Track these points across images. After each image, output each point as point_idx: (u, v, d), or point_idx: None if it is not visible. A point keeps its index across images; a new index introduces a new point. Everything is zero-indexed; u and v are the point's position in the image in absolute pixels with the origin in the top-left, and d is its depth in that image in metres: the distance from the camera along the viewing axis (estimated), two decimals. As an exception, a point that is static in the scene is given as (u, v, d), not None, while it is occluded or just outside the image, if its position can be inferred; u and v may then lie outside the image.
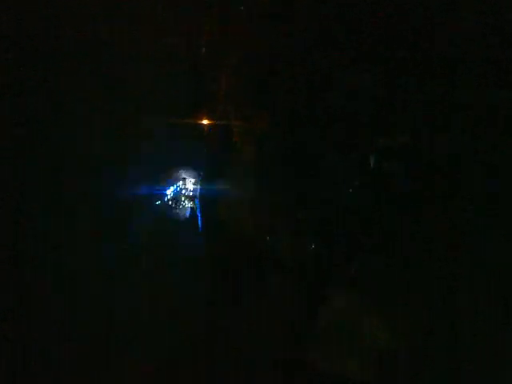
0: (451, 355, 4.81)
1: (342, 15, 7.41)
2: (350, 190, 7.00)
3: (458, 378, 4.69)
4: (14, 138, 8.78)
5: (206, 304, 7.73)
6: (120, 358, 6.51)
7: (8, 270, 7.94)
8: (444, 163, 5.89)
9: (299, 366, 4.18)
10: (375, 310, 3.90)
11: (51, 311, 7.17)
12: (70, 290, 8.06)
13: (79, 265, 8.98)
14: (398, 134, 6.70)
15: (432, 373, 4.72)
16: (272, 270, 7.01)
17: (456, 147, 5.77)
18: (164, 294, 8.63)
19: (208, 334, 6.55)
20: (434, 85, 6.07)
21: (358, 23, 7.16)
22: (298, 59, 8.44)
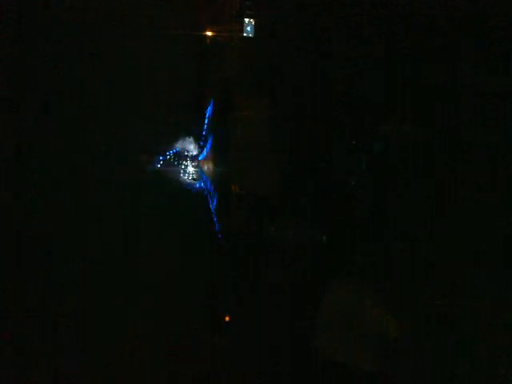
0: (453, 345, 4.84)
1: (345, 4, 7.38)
2: (353, 183, 7.01)
3: (460, 366, 4.72)
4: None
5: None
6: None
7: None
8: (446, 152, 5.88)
9: (301, 352, 4.23)
10: (379, 299, 3.92)
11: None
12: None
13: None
14: (400, 123, 6.68)
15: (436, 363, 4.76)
16: (275, 255, 7.05)
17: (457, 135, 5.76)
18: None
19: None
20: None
21: (360, 10, 7.13)
22: (300, 49, 8.41)
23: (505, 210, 5.01)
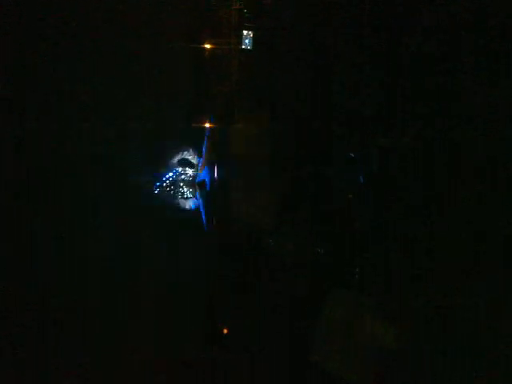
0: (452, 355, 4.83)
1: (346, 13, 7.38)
2: (350, 196, 7.02)
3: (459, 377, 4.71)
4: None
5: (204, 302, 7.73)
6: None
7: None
8: (446, 162, 5.87)
9: (299, 363, 4.21)
10: (377, 310, 3.91)
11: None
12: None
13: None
14: (399, 134, 6.68)
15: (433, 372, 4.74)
16: (274, 267, 7.06)
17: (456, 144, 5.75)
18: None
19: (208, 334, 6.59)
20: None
21: (361, 21, 7.12)
22: (298, 59, 8.42)
23: (505, 220, 5.00)
